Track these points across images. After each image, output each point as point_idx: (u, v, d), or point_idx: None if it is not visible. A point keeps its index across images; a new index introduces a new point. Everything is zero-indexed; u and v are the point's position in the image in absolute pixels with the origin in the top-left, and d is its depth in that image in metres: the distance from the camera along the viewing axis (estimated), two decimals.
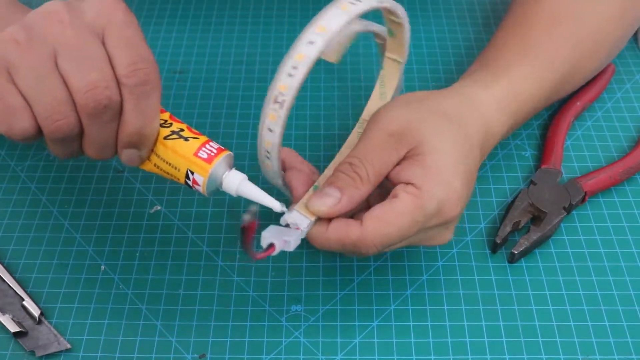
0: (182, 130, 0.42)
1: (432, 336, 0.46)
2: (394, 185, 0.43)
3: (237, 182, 0.41)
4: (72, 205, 0.53)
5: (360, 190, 0.42)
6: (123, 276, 0.49)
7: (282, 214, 0.42)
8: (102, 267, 0.49)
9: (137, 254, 0.50)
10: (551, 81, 0.52)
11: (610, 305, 0.47)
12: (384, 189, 0.43)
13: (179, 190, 0.54)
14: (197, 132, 0.42)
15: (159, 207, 0.53)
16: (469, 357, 0.45)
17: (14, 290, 0.47)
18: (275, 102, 0.39)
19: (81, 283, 0.48)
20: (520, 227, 0.50)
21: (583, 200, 0.52)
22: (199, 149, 0.41)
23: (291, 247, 0.41)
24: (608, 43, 0.56)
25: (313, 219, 0.42)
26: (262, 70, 0.64)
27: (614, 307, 0.47)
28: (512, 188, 0.54)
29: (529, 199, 0.51)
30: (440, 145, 0.43)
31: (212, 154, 0.41)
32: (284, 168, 0.45)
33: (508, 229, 0.50)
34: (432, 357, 0.45)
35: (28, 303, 0.46)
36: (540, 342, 0.45)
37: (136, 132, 0.40)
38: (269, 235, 0.41)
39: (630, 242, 0.51)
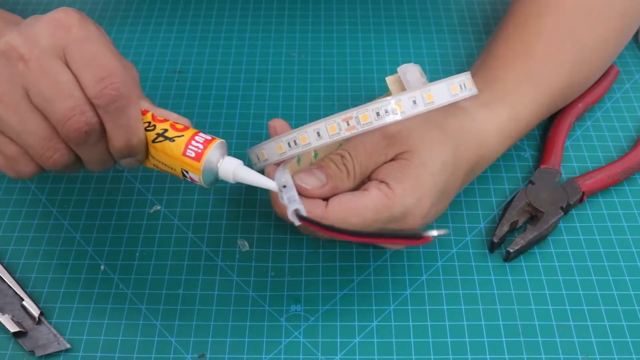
0: (166, 130, 0.41)
1: (431, 336, 0.46)
2: (370, 179, 0.43)
3: (232, 169, 0.41)
4: (71, 205, 0.53)
5: (344, 184, 0.43)
6: (123, 276, 0.49)
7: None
8: (102, 267, 0.49)
9: (137, 254, 0.50)
10: (549, 105, 0.53)
11: (610, 305, 0.47)
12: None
13: (178, 190, 0.54)
14: (183, 126, 0.42)
15: (158, 207, 0.53)
16: (469, 357, 0.45)
17: (14, 290, 0.47)
18: (345, 121, 0.40)
19: (81, 283, 0.48)
20: (518, 226, 0.51)
21: (581, 200, 0.52)
22: (186, 147, 0.41)
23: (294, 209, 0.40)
24: (604, 62, 0.57)
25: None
26: (262, 70, 0.64)
27: (613, 307, 0.47)
28: (511, 188, 0.54)
29: (526, 199, 0.51)
30: (428, 160, 0.43)
31: (200, 149, 0.40)
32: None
33: (505, 228, 0.50)
34: (432, 357, 0.45)
35: (28, 303, 0.46)
36: (540, 342, 0.45)
37: (124, 146, 0.40)
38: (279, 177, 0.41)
39: (630, 241, 0.51)
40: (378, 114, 0.39)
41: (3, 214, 0.53)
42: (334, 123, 0.40)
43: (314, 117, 0.59)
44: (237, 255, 0.50)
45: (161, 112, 0.42)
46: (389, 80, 0.46)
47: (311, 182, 0.42)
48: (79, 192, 0.54)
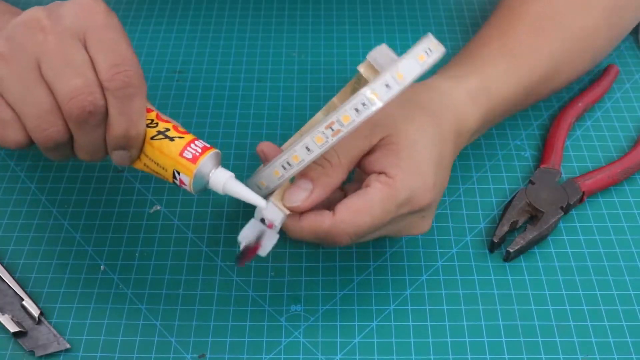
0: (167, 130, 0.42)
1: (431, 336, 0.46)
2: (368, 174, 0.43)
3: (222, 181, 0.41)
4: (71, 205, 0.53)
5: (332, 178, 0.42)
6: (123, 276, 0.49)
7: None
8: (102, 267, 0.49)
9: (137, 254, 0.50)
10: (528, 81, 0.52)
11: (610, 305, 0.47)
12: (361, 183, 0.44)
13: (178, 190, 0.54)
14: (184, 130, 0.42)
15: (158, 207, 0.53)
16: (469, 357, 0.45)
17: (14, 290, 0.47)
18: (329, 128, 0.39)
19: (81, 283, 0.48)
20: (517, 226, 0.51)
21: (581, 200, 0.52)
22: (184, 148, 0.41)
23: (265, 251, 0.42)
24: (592, 51, 0.56)
25: (287, 212, 0.42)
26: (262, 70, 0.64)
27: (613, 307, 0.47)
28: (511, 188, 0.54)
29: (526, 199, 0.51)
30: (414, 136, 0.43)
31: (197, 153, 0.41)
32: (265, 160, 0.46)
33: (505, 228, 0.50)
34: (432, 357, 0.45)
35: (27, 303, 0.46)
36: (540, 342, 0.45)
37: (123, 135, 0.40)
38: (247, 235, 0.41)
39: (630, 242, 0.51)
40: (357, 110, 0.39)
41: (3, 214, 0.53)
42: (319, 134, 0.40)
43: None
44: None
45: (165, 117, 0.43)
46: (362, 68, 0.46)
47: (299, 197, 0.42)
48: (79, 192, 0.54)
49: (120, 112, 0.40)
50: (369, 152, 0.43)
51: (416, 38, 0.67)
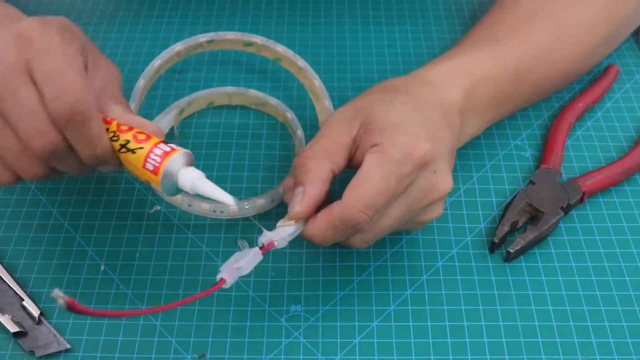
0: (127, 142, 0.41)
1: (431, 336, 0.46)
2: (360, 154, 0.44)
3: (190, 181, 0.40)
4: (71, 206, 0.53)
5: (316, 171, 0.42)
6: (123, 276, 0.49)
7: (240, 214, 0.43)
8: (102, 267, 0.49)
9: (137, 254, 0.50)
10: (515, 65, 0.52)
11: (610, 305, 0.47)
12: None
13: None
14: (145, 137, 0.41)
15: (158, 207, 0.53)
16: (469, 357, 0.45)
17: (14, 290, 0.47)
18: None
19: (81, 283, 0.48)
20: (518, 226, 0.51)
21: (581, 200, 0.52)
22: (145, 161, 0.40)
23: (244, 270, 0.41)
24: (586, 49, 0.56)
25: (293, 224, 0.43)
26: (262, 71, 0.64)
27: (613, 308, 0.47)
28: (511, 188, 0.54)
29: (527, 199, 0.51)
30: (394, 113, 0.43)
31: (157, 163, 0.40)
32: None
33: (506, 228, 0.50)
34: (432, 357, 0.45)
35: (28, 303, 0.46)
36: (540, 343, 0.45)
37: (91, 157, 0.40)
38: (224, 270, 0.41)
39: (630, 242, 0.51)
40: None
41: (3, 214, 0.53)
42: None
43: (314, 117, 0.59)
44: None
45: (128, 119, 0.42)
46: None
47: (296, 202, 0.42)
48: (79, 193, 0.54)
49: (77, 140, 0.39)
50: (357, 149, 0.44)
51: (416, 38, 0.67)
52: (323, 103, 0.55)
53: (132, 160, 0.41)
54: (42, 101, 0.38)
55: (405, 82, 0.48)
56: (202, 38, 0.57)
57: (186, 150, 0.41)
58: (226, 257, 0.50)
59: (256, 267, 0.49)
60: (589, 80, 0.63)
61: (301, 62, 0.57)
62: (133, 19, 0.70)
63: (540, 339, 0.45)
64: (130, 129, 0.42)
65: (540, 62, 0.54)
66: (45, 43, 0.38)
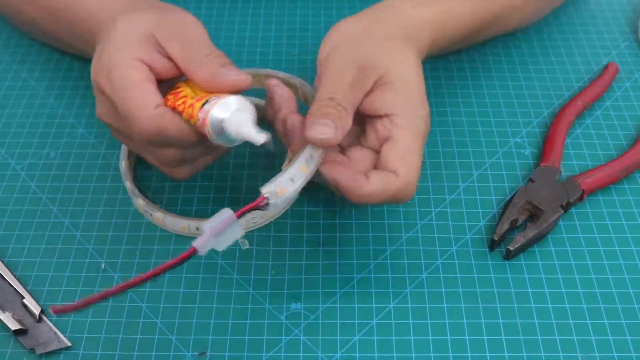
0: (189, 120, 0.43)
1: (431, 334, 0.46)
2: (369, 115, 0.45)
3: (232, 129, 0.41)
4: (72, 204, 0.53)
5: (347, 122, 0.43)
6: (123, 274, 0.49)
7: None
8: (102, 265, 0.49)
9: (137, 252, 0.50)
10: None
11: (609, 303, 0.47)
12: (356, 121, 0.45)
13: (179, 189, 0.54)
14: (192, 105, 0.42)
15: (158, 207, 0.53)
16: (469, 355, 0.45)
17: (15, 288, 0.47)
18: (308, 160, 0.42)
19: (81, 281, 0.49)
20: (517, 224, 0.51)
21: (581, 198, 0.52)
22: (201, 126, 0.42)
23: (222, 245, 0.39)
24: None
25: (307, 172, 0.42)
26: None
27: (613, 305, 0.47)
28: (511, 186, 0.54)
29: (526, 197, 0.51)
30: (401, 71, 0.46)
31: (202, 122, 0.42)
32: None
33: (505, 226, 0.50)
34: (432, 354, 0.45)
35: (28, 301, 0.46)
36: (540, 340, 0.45)
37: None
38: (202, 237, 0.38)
39: (629, 240, 0.51)
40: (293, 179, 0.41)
41: (4, 212, 0.53)
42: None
43: None
44: (237, 253, 0.50)
45: (218, 82, 0.43)
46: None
47: (328, 131, 0.42)
48: (79, 191, 0.54)
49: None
50: (367, 95, 0.45)
51: None
52: None
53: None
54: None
55: (399, 29, 0.49)
56: None
57: (234, 97, 0.42)
58: (226, 255, 0.50)
59: (256, 265, 0.49)
60: (588, 79, 0.63)
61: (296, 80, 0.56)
62: None
63: (539, 337, 0.46)
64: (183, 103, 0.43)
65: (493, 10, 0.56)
66: (107, 88, 0.44)
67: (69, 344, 0.45)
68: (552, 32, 0.68)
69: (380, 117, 0.45)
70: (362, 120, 0.46)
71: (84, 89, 0.62)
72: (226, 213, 0.38)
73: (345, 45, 0.47)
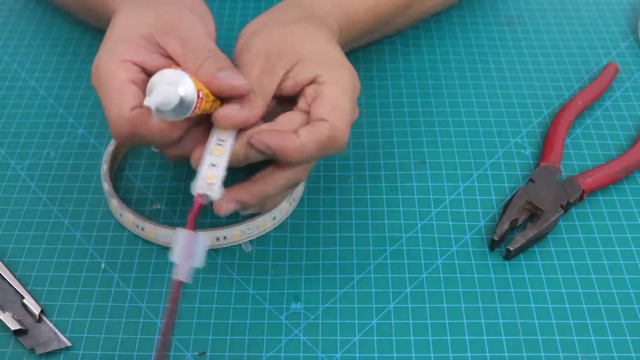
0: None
1: (431, 334, 0.46)
2: (298, 91, 0.46)
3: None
4: (72, 204, 0.53)
5: (255, 104, 0.44)
6: (123, 274, 0.49)
7: None
8: (102, 265, 0.49)
9: (137, 252, 0.50)
10: None
11: (610, 303, 0.47)
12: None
13: (179, 189, 0.54)
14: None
15: (158, 206, 0.53)
16: (469, 355, 0.45)
17: (14, 289, 0.47)
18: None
19: (81, 281, 0.49)
20: (518, 224, 0.51)
21: (581, 198, 0.52)
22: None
23: (198, 261, 0.38)
24: None
25: (222, 151, 0.42)
26: None
27: (613, 305, 0.47)
28: (511, 186, 0.54)
29: (526, 197, 0.51)
30: (317, 47, 0.47)
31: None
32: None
33: (505, 226, 0.50)
34: (432, 355, 0.45)
35: (28, 301, 0.46)
36: (540, 340, 0.45)
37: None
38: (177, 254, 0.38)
39: (630, 240, 0.51)
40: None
41: (4, 212, 0.53)
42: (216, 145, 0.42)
43: None
44: (237, 253, 0.50)
45: (215, 85, 0.43)
46: None
47: (230, 111, 0.43)
48: (79, 191, 0.54)
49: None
50: (285, 79, 0.45)
51: (416, 37, 0.67)
52: None
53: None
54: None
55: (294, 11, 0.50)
56: None
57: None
58: (225, 254, 0.50)
59: (256, 266, 0.49)
60: (588, 79, 0.63)
61: None
62: None
63: (539, 337, 0.46)
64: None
65: None
66: (95, 85, 0.44)
67: (69, 344, 0.45)
68: (552, 32, 0.68)
69: (307, 85, 0.45)
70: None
71: (84, 89, 0.62)
72: (182, 235, 0.38)
73: (253, 38, 0.47)
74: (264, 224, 0.50)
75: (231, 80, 0.42)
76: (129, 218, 0.50)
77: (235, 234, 0.49)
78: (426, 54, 0.65)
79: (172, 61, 0.44)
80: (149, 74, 0.43)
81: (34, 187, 0.54)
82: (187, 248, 0.37)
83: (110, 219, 0.52)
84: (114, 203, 0.51)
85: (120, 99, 0.42)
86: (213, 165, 0.41)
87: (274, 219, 0.50)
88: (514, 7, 0.71)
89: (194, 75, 0.42)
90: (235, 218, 0.50)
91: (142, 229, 0.50)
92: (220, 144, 0.42)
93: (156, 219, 0.52)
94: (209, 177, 0.40)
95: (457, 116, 0.59)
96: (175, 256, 0.37)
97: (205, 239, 0.39)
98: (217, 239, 0.49)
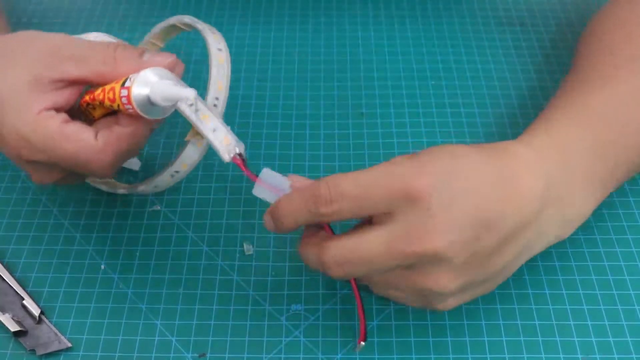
0: (112, 107, 0.42)
1: (431, 335, 0.46)
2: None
3: (158, 93, 0.40)
4: (72, 205, 0.53)
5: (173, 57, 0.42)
6: (123, 275, 0.49)
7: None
8: (102, 266, 0.49)
9: (137, 253, 0.50)
10: (612, 148, 0.44)
11: (610, 304, 0.47)
12: None
13: (179, 189, 0.54)
14: (112, 89, 0.41)
15: (158, 207, 0.53)
16: (469, 356, 0.45)
17: (14, 290, 0.47)
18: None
19: (81, 282, 0.48)
20: None
21: None
22: (124, 111, 0.41)
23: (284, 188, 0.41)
24: None
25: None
26: (262, 70, 0.64)
27: (613, 307, 0.47)
28: None
29: None
30: (435, 192, 0.37)
31: (129, 109, 0.40)
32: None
33: None
34: (432, 356, 0.45)
35: (28, 302, 0.46)
36: (540, 342, 0.45)
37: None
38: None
39: (630, 241, 0.51)
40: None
41: (3, 213, 0.53)
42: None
43: (314, 117, 0.59)
44: (238, 255, 0.50)
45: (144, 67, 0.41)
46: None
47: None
48: (79, 192, 0.54)
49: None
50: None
51: (416, 37, 0.67)
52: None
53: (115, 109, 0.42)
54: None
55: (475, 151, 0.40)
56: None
57: (143, 71, 0.40)
58: (226, 256, 0.50)
59: (256, 267, 0.49)
60: None
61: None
62: (133, 19, 0.70)
63: (540, 338, 0.46)
64: (93, 98, 0.42)
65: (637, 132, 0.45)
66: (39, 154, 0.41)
67: (70, 344, 0.45)
68: (552, 32, 0.68)
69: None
70: None
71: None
72: (265, 176, 0.41)
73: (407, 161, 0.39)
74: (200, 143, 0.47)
75: (161, 58, 0.42)
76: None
77: (184, 164, 0.47)
78: (426, 54, 0.65)
79: (73, 86, 0.42)
80: (67, 107, 0.42)
81: (33, 187, 0.54)
82: (272, 184, 0.41)
83: (110, 219, 0.52)
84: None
85: (77, 142, 0.41)
86: (214, 130, 0.41)
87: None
88: (514, 7, 0.71)
89: (115, 75, 0.41)
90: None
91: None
92: (199, 111, 0.42)
93: (156, 220, 0.52)
94: (224, 140, 0.41)
95: (457, 117, 0.59)
96: (269, 195, 0.41)
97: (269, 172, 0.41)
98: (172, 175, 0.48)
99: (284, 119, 0.59)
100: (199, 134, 0.44)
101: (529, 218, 0.39)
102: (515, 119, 0.59)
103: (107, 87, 0.41)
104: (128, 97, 0.40)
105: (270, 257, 0.50)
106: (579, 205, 0.44)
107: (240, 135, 0.58)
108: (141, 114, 0.40)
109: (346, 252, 0.38)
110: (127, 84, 0.40)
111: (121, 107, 0.41)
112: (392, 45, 0.66)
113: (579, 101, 0.46)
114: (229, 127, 0.42)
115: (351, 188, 0.38)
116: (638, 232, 0.51)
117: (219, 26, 0.68)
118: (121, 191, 0.51)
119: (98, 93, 0.42)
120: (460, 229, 0.37)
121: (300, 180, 0.41)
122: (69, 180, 0.46)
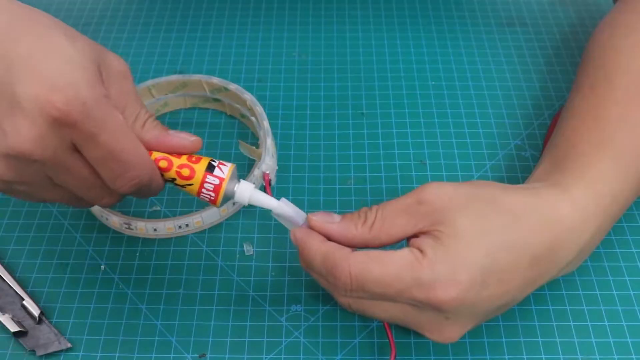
0: (174, 179, 0.41)
1: None
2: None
3: (247, 195, 0.42)
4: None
5: (358, 229, 0.40)
6: (123, 276, 0.49)
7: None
8: (102, 266, 0.49)
9: (137, 254, 0.50)
10: (636, 172, 0.44)
11: (610, 305, 0.47)
12: None
13: (178, 190, 0.54)
14: (188, 168, 0.41)
15: (158, 207, 0.53)
16: (469, 357, 0.45)
17: (14, 290, 0.47)
18: None
19: (81, 283, 0.49)
20: None
21: None
22: (199, 194, 0.42)
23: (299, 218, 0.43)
24: None
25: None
26: (262, 70, 0.64)
27: (613, 307, 0.47)
28: None
29: None
30: (463, 231, 0.38)
31: (213, 197, 0.42)
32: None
33: None
34: (432, 357, 0.45)
35: (28, 303, 0.46)
36: (540, 342, 0.45)
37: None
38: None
39: (630, 242, 0.51)
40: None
41: (3, 214, 0.53)
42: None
43: (314, 117, 0.59)
44: (238, 255, 0.50)
45: (166, 142, 0.41)
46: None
47: (322, 217, 0.41)
48: None
49: (142, 194, 0.42)
50: (412, 234, 0.40)
51: (416, 37, 0.67)
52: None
53: (186, 191, 0.42)
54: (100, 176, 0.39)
55: (511, 198, 0.41)
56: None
57: (232, 165, 0.42)
58: (226, 256, 0.50)
59: (257, 267, 0.49)
60: None
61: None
62: (133, 19, 0.70)
63: (540, 339, 0.46)
64: (170, 166, 0.41)
65: None
66: (90, 126, 0.36)
67: (70, 345, 0.45)
68: (552, 33, 0.68)
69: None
70: None
71: None
72: (284, 205, 0.43)
73: (442, 185, 0.40)
74: (225, 209, 0.52)
75: (186, 137, 0.42)
76: (114, 220, 0.50)
77: (197, 221, 0.51)
78: (426, 55, 0.65)
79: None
80: None
81: None
82: (289, 212, 0.43)
83: None
84: (95, 208, 0.51)
85: (133, 140, 0.39)
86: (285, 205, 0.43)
87: (234, 204, 0.52)
88: (514, 7, 0.71)
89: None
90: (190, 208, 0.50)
91: (129, 226, 0.50)
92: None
93: None
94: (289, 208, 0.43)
95: (457, 117, 0.59)
96: (289, 223, 0.43)
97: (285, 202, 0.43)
98: (180, 227, 0.50)
99: (284, 119, 0.59)
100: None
101: (553, 275, 0.42)
102: (516, 119, 0.59)
103: (176, 160, 0.41)
104: (218, 187, 0.41)
105: (270, 257, 0.50)
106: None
107: (240, 135, 0.58)
108: (217, 204, 0.42)
109: (368, 262, 0.38)
110: (217, 173, 0.41)
111: (196, 187, 0.41)
112: (393, 46, 0.66)
113: (619, 140, 0.44)
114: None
115: (372, 285, 0.38)
116: (638, 233, 0.51)
117: (219, 26, 0.68)
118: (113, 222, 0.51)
119: (158, 157, 0.41)
120: (476, 317, 0.40)
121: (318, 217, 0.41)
122: (65, 199, 0.42)
